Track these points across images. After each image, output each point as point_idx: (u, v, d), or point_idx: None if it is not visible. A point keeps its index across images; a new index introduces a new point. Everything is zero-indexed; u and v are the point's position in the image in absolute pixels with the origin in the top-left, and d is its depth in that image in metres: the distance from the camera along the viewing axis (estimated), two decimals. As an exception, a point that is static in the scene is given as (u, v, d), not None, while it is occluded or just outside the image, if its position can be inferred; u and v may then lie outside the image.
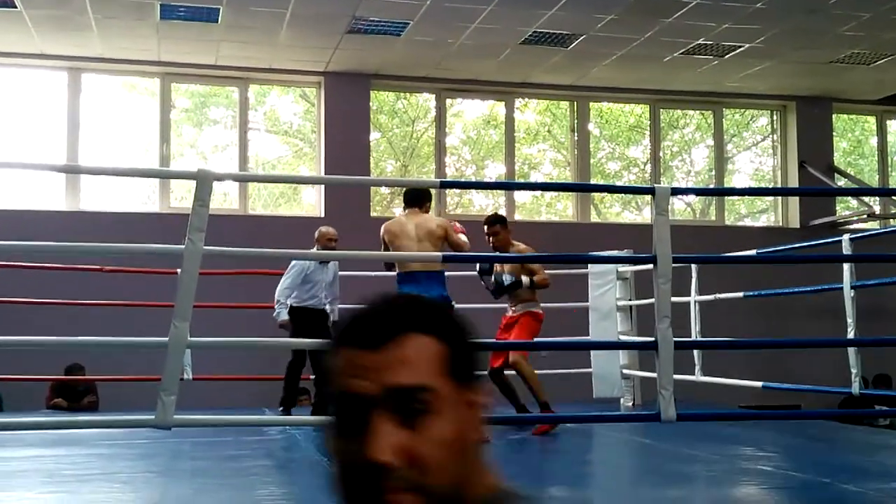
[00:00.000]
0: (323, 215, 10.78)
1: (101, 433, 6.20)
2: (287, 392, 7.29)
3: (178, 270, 3.90)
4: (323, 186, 10.93)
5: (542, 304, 7.07)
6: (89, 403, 8.50)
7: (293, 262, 7.26)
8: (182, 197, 10.65)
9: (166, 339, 3.80)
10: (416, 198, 6.30)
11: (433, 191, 11.33)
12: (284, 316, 7.18)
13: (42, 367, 8.37)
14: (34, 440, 5.89)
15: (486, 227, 6.59)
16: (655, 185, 4.36)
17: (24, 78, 10.61)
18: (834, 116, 12.46)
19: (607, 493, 4.44)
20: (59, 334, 7.07)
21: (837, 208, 12.27)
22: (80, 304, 8.20)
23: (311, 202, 11.34)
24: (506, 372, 6.55)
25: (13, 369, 8.29)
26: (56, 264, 8.10)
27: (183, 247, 3.90)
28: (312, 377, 7.25)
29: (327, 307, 7.32)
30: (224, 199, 10.89)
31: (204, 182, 3.94)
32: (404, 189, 6.43)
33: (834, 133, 12.48)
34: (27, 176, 10.57)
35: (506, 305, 6.86)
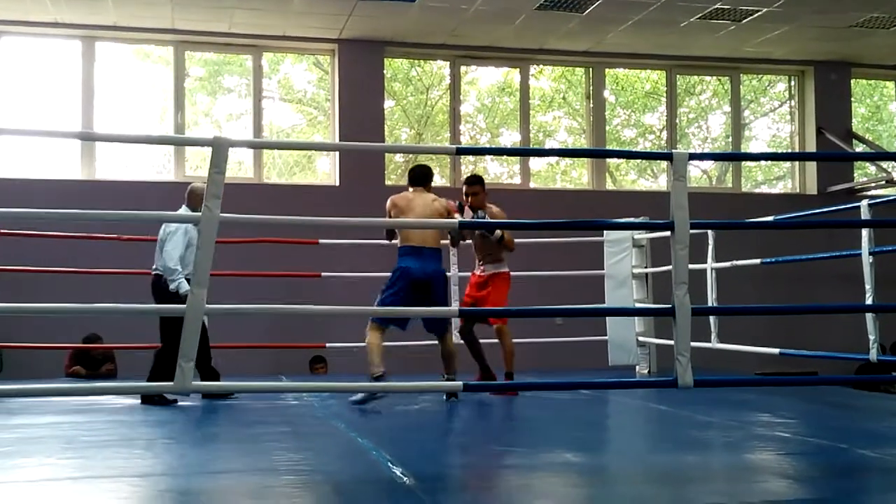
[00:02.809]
0: (337, 183, 10.79)
1: (120, 400, 6.25)
2: (159, 369, 6.32)
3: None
4: (337, 155, 10.91)
5: (556, 272, 7.04)
6: (107, 371, 8.56)
7: (175, 226, 6.42)
8: (197, 166, 10.66)
9: (184, 306, 3.81)
10: (424, 176, 6.42)
11: (448, 158, 11.35)
12: (186, 286, 6.07)
13: (60, 336, 8.43)
14: (53, 407, 5.93)
15: (465, 187, 6.78)
16: (673, 151, 4.31)
17: (38, 47, 10.59)
18: (852, 82, 12.33)
19: (623, 459, 4.44)
20: (77, 303, 7.09)
21: (855, 174, 12.18)
22: (96, 273, 8.24)
23: (325, 171, 11.32)
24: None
25: (31, 338, 8.35)
26: (73, 233, 8.13)
27: (199, 214, 3.90)
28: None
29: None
30: (239, 167, 10.89)
31: (220, 149, 3.92)
32: (410, 168, 6.50)
33: (852, 98, 12.36)
34: (43, 145, 10.60)
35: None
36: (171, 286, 6.35)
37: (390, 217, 6.28)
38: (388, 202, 6.30)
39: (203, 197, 6.43)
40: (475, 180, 6.82)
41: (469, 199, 6.67)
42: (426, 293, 6.04)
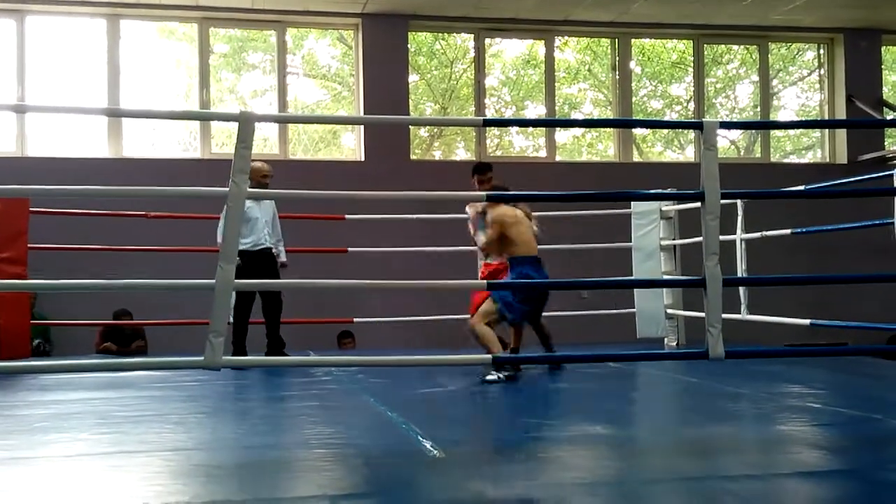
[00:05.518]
0: (363, 159, 10.78)
1: (151, 376, 6.30)
2: (236, 339, 7.01)
3: (222, 214, 3.91)
4: (362, 130, 10.90)
5: (582, 245, 6.90)
6: (138, 348, 8.63)
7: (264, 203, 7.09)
8: (222, 143, 10.69)
9: (213, 281, 3.83)
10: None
11: (473, 131, 11.31)
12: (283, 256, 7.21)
13: (90, 313, 8.50)
14: (86, 383, 6.00)
15: (477, 175, 6.74)
16: (704, 119, 4.27)
17: (63, 25, 10.63)
18: (883, 49, 12.16)
19: (654, 431, 4.43)
20: (106, 279, 7.17)
21: (886, 143, 12.03)
22: (125, 250, 8.29)
23: (350, 146, 11.32)
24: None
25: (62, 315, 8.43)
26: (101, 211, 8.17)
27: (227, 189, 3.90)
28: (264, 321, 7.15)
29: (273, 248, 7.16)
30: (264, 143, 10.90)
31: (246, 124, 3.92)
32: (494, 184, 6.52)
33: (883, 66, 12.18)
34: (71, 123, 10.66)
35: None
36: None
37: (496, 231, 6.17)
38: (495, 215, 6.17)
39: (260, 174, 6.82)
40: (485, 168, 6.82)
41: (480, 188, 6.63)
42: (543, 300, 6.35)
